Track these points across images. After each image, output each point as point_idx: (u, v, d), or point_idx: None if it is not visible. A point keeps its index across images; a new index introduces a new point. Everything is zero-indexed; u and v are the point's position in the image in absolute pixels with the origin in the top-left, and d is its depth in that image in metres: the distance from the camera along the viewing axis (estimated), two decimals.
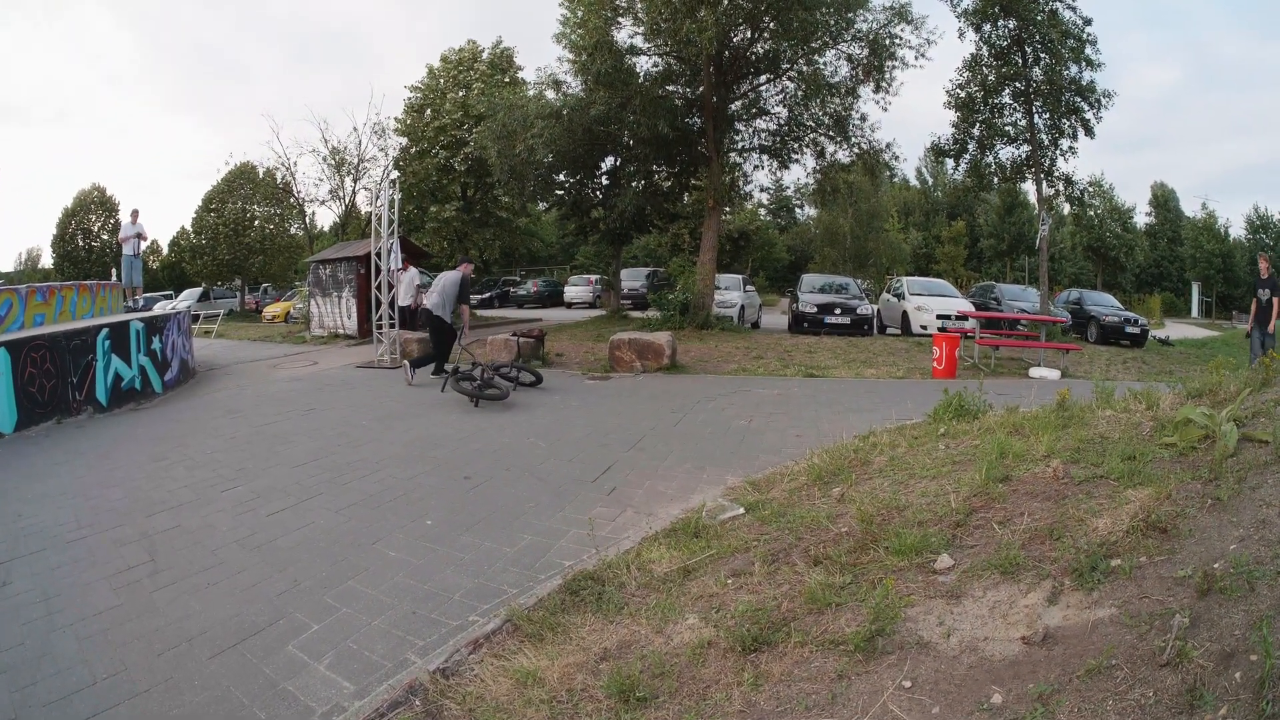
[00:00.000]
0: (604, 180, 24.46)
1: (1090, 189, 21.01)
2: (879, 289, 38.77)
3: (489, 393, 10.09)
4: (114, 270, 19.43)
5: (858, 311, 19.75)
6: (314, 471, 6.84)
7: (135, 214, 18.01)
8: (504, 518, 5.39)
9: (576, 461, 6.95)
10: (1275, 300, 12.11)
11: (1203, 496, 3.11)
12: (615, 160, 23.59)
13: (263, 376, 14.13)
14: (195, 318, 29.75)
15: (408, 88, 28.36)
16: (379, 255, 15.09)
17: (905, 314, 20.49)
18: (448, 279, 12.10)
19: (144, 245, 18.39)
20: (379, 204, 15.53)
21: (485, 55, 27.62)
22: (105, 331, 10.76)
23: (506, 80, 26.53)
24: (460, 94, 26.27)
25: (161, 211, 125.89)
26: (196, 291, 39.57)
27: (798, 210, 46.95)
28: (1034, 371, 12.53)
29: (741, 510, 4.73)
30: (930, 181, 67.36)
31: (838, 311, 19.62)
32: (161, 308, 35.69)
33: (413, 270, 16.00)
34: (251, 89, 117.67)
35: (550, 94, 20.90)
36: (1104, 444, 4.15)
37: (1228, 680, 2.06)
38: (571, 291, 39.36)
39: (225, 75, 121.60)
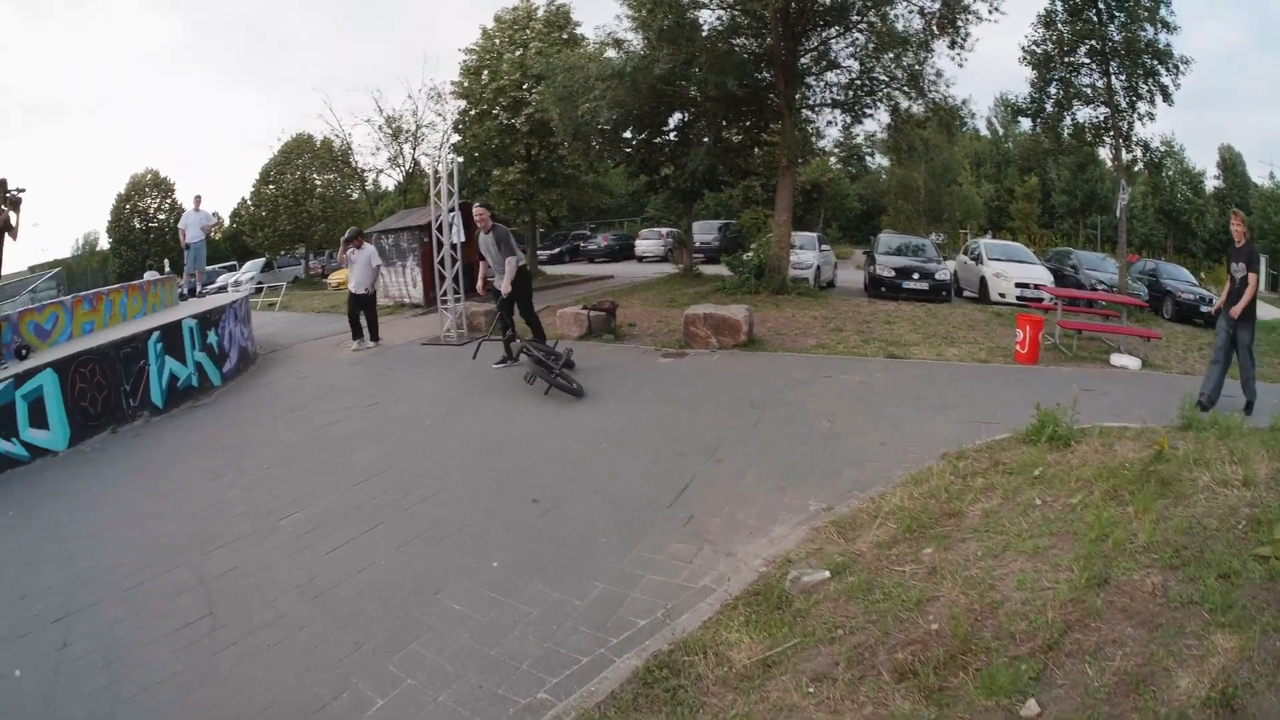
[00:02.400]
0: (672, 137, 23.98)
1: (1162, 149, 20.40)
2: (954, 244, 38.28)
3: (560, 383, 9.91)
4: (165, 261, 19.55)
5: (936, 277, 19.53)
6: (374, 490, 6.76)
7: (198, 200, 17.95)
8: (573, 557, 5.21)
9: (651, 476, 6.73)
10: (1251, 276, 9.01)
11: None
12: (683, 116, 23.11)
13: (325, 358, 14.29)
14: (259, 289, 30.38)
15: (462, 50, 28.23)
16: (440, 229, 15.07)
17: (983, 279, 20.18)
18: (488, 241, 11.24)
19: (213, 226, 18.40)
20: (437, 173, 15.33)
21: (540, 13, 27.31)
22: (156, 335, 10.88)
23: (564, 38, 26.30)
24: (517, 54, 26.09)
25: (222, 183, 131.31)
26: (260, 262, 40.50)
27: (869, 158, 46.67)
28: (1115, 359, 11.91)
29: (826, 574, 4.47)
30: (1001, 132, 65.52)
31: (916, 276, 19.44)
32: (225, 279, 36.83)
33: (369, 249, 15.20)
34: (302, 58, 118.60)
35: (611, 53, 20.54)
36: (1203, 537, 3.89)
37: None
38: (643, 245, 39.19)
39: (274, 47, 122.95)
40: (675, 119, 23.37)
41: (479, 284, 11.43)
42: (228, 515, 6.53)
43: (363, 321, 14.91)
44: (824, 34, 19.42)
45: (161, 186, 52.92)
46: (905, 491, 5.59)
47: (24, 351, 10.14)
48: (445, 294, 15.07)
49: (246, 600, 4.95)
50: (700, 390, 10.13)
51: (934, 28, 17.51)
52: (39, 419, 9.07)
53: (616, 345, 13.47)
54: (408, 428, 8.91)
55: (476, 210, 11.11)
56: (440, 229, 14.94)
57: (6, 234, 9.69)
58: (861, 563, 4.59)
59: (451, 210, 14.97)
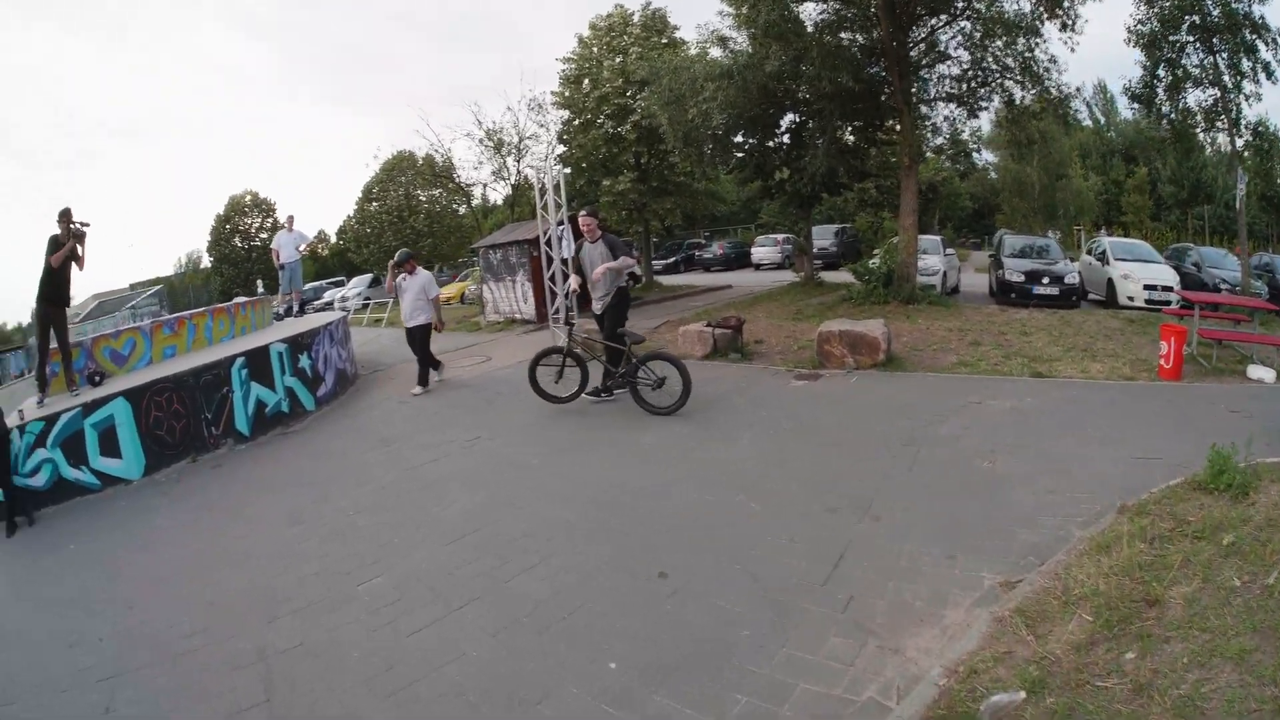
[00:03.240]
0: (785, 139, 23.11)
1: (1262, 129, 19.28)
2: (1068, 241, 37.86)
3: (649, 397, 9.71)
4: (259, 282, 20.17)
5: (1065, 280, 18.82)
6: (469, 553, 5.94)
7: (291, 220, 18.04)
8: (709, 656, 4.26)
9: (798, 541, 5.70)
10: None
11: None
12: (795, 118, 22.30)
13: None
14: (365, 304, 30.83)
15: (560, 60, 28.07)
16: (549, 243, 14.47)
17: (1110, 281, 19.28)
18: (594, 252, 10.40)
19: (304, 248, 18.19)
20: (542, 183, 14.71)
21: (636, 18, 26.90)
22: (241, 361, 10.55)
23: (664, 42, 25.85)
24: (617, 60, 25.66)
25: (325, 201, 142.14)
26: (367, 278, 41.61)
27: (975, 155, 45.93)
28: (1252, 371, 10.75)
29: (1022, 695, 3.51)
30: (1103, 120, 64.04)
31: (1045, 280, 18.79)
32: (332, 295, 37.64)
33: (423, 275, 12.81)
34: (401, 79, 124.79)
35: (716, 52, 20.07)
36: None
37: None
38: (759, 252, 39.03)
39: (374, 69, 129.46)
40: (787, 120, 22.63)
41: (571, 285, 10.68)
42: (300, 572, 5.90)
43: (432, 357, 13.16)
44: (930, 23, 18.49)
45: (262, 207, 55.95)
46: (1093, 564, 4.63)
47: (98, 378, 10.38)
48: (557, 311, 14.47)
49: (310, 688, 4.27)
50: (843, 422, 9.09)
51: (1042, 9, 16.42)
52: (111, 447, 9.13)
53: (744, 365, 12.58)
54: (511, 470, 8.09)
55: (583, 218, 10.32)
56: (549, 243, 14.39)
57: (74, 264, 9.81)
58: (1059, 673, 3.68)
59: (560, 224, 14.44)
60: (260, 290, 20.42)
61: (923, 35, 18.57)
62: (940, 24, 18.36)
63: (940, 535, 5.66)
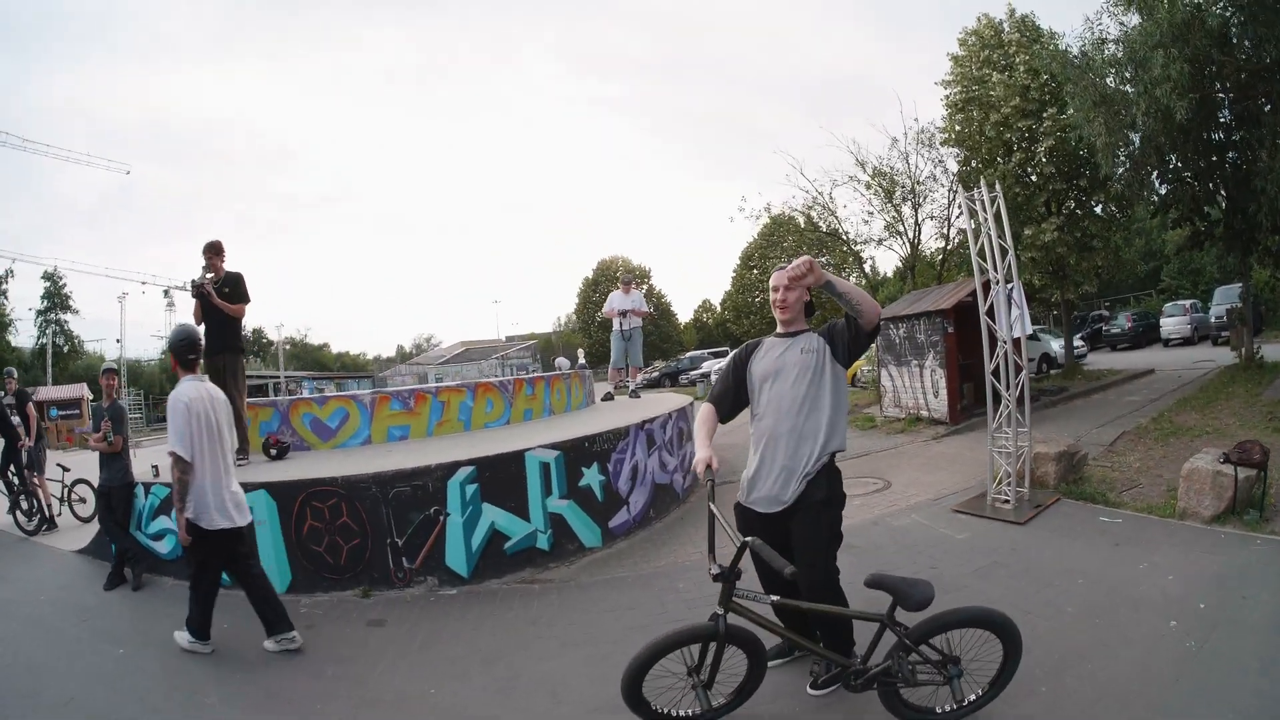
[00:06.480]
0: (1212, 157, 16.92)
1: None
2: None
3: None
4: (580, 351, 18.44)
5: None
6: None
7: (628, 285, 14.60)
8: None
9: None
10: None
11: None
12: (1222, 126, 16.30)
13: None
14: None
15: (939, 83, 23.32)
16: (989, 311, 8.61)
17: None
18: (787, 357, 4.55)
19: (634, 321, 14.88)
20: (980, 223, 8.74)
21: (1006, 26, 21.93)
22: (468, 472, 6.92)
23: (1045, 53, 20.40)
24: (1005, 77, 20.66)
25: (699, 268, 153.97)
26: None
27: None
28: None
29: None
30: None
31: None
32: (708, 366, 35.81)
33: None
34: (767, 147, 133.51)
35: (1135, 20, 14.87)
36: None
37: None
38: (1169, 324, 33.69)
39: (739, 139, 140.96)
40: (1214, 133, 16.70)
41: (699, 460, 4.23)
42: None
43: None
44: None
45: (635, 274, 57.01)
46: None
47: (274, 450, 8.79)
48: (999, 422, 8.59)
49: None
50: None
51: None
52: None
53: (1270, 539, 6.55)
54: None
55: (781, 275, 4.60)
56: (990, 311, 8.66)
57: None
58: None
59: (1009, 281, 8.63)
60: (581, 360, 17.67)
61: None
62: None
63: None
